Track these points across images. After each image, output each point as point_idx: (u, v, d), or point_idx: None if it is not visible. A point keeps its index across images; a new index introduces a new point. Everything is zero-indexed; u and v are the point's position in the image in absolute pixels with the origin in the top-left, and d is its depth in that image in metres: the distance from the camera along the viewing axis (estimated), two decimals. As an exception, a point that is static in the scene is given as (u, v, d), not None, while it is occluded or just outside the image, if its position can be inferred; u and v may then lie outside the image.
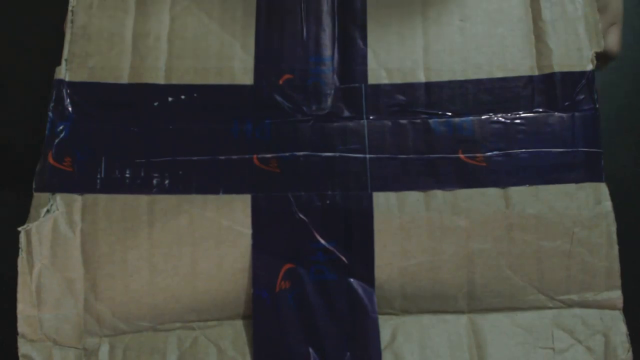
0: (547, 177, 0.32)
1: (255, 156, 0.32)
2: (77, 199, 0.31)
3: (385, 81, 0.33)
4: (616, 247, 0.31)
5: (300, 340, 0.31)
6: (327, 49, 0.34)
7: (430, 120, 0.33)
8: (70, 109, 0.32)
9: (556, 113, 0.32)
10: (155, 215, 0.31)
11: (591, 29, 0.33)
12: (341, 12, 0.34)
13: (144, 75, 0.33)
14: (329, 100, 0.33)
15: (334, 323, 0.31)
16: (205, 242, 0.31)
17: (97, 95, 0.33)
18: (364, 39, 0.34)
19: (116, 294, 0.31)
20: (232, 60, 0.33)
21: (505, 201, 0.31)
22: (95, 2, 0.34)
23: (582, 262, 0.31)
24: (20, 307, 0.30)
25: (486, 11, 0.34)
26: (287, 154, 0.32)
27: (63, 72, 0.33)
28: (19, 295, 0.30)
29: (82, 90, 0.33)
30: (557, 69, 0.33)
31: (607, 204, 0.31)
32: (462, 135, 0.32)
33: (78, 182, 0.31)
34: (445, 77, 0.33)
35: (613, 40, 0.34)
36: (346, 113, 0.33)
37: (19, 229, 0.31)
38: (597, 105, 0.32)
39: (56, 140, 0.32)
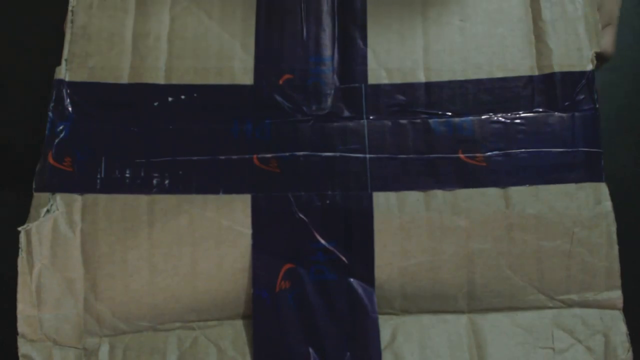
0: (547, 177, 0.32)
1: (255, 156, 0.32)
2: (77, 199, 0.31)
3: (385, 81, 0.33)
4: (616, 247, 0.31)
5: (300, 340, 0.31)
6: (327, 49, 0.34)
7: (430, 120, 0.33)
8: (70, 109, 0.32)
9: (556, 113, 0.32)
10: (155, 215, 0.31)
11: (591, 29, 0.33)
12: (341, 12, 0.34)
13: (144, 75, 0.33)
14: (329, 100, 0.33)
15: (334, 323, 0.31)
16: (205, 242, 0.31)
17: (97, 95, 0.33)
18: (364, 39, 0.34)
19: (116, 294, 0.31)
20: (232, 60, 0.33)
21: (505, 201, 0.31)
22: (95, 2, 0.34)
23: (582, 262, 0.31)
24: (20, 307, 0.30)
25: (486, 11, 0.34)
26: (287, 154, 0.32)
27: (63, 72, 0.33)
28: (19, 295, 0.30)
29: (82, 90, 0.33)
30: (557, 69, 0.33)
31: (607, 204, 0.31)
32: (462, 135, 0.32)
33: (78, 182, 0.31)
34: (445, 77, 0.33)
35: (608, 41, 0.34)
36: (346, 113, 0.33)
37: (19, 229, 0.31)
38: (597, 105, 0.32)
39: (56, 140, 0.32)
